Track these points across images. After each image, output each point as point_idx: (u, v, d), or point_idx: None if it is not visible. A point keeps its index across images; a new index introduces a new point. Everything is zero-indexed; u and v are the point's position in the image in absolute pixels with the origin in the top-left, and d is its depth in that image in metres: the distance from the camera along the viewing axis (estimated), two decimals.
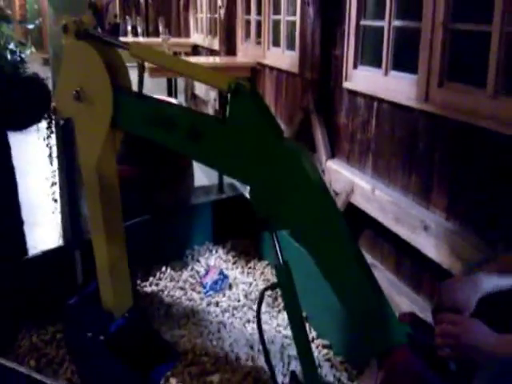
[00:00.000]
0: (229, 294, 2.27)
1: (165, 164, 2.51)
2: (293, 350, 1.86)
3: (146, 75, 3.90)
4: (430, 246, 1.88)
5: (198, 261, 2.53)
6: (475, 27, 1.88)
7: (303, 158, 1.10)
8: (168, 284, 2.29)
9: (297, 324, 1.18)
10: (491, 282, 1.07)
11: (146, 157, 2.44)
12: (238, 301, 2.22)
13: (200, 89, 5.51)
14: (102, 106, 1.21)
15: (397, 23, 2.31)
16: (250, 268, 2.51)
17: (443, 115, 1.92)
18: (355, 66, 2.64)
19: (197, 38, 6.71)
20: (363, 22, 2.59)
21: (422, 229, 1.92)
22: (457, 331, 0.96)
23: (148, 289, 2.29)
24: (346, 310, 1.13)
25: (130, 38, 9.32)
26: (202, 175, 3.83)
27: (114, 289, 1.41)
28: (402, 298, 2.00)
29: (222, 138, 1.12)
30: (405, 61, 2.29)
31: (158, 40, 5.91)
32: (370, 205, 2.25)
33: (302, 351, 1.20)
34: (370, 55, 2.60)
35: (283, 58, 3.56)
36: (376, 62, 2.48)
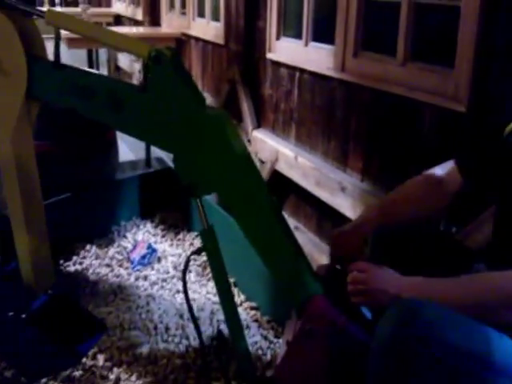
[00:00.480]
0: (158, 267, 2.26)
1: (87, 138, 2.42)
2: (221, 315, 1.91)
3: (64, 46, 3.68)
4: (347, 206, 1.99)
5: (125, 236, 2.48)
6: None
7: (225, 125, 1.12)
8: (93, 262, 2.23)
9: (223, 286, 1.23)
10: (372, 224, 1.17)
11: (67, 131, 2.34)
12: (168, 273, 2.22)
13: (124, 61, 5.29)
14: (17, 77, 1.19)
15: None
16: (179, 240, 2.51)
17: (358, 83, 2.01)
18: (278, 38, 2.67)
19: (119, 7, 6.40)
20: None
21: (340, 190, 2.03)
22: (365, 277, 1.02)
23: (71, 268, 2.22)
24: (268, 268, 1.18)
25: (46, 8, 8.66)
26: (129, 150, 3.73)
27: (35, 266, 1.38)
28: (322, 256, 2.11)
29: (142, 107, 1.12)
30: (324, 32, 2.35)
31: (77, 10, 5.58)
32: (294, 171, 2.33)
33: (228, 312, 1.26)
34: (291, 27, 2.64)
35: (208, 29, 3.51)
36: (297, 34, 2.52)
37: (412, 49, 1.82)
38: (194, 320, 1.29)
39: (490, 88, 1.47)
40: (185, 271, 1.23)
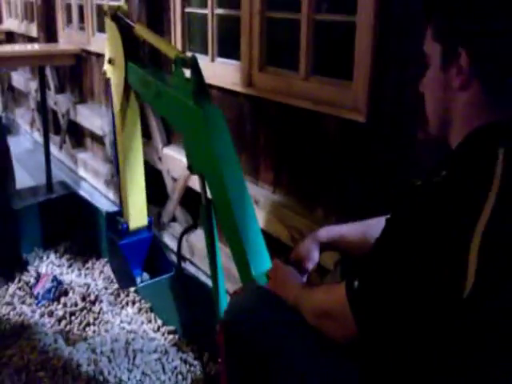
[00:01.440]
0: (65, 300, 2.09)
1: None
2: (137, 344, 1.80)
3: None
4: (260, 219, 1.99)
5: (27, 270, 2.28)
6: (288, 15, 2.03)
7: (210, 120, 1.34)
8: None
9: (213, 263, 1.40)
10: (329, 232, 1.16)
11: None
12: (76, 305, 2.06)
13: (18, 81, 4.93)
14: (120, 68, 1.76)
15: (219, 11, 2.37)
16: (87, 269, 2.35)
17: (265, 98, 2.04)
18: (183, 53, 2.63)
19: (11, 23, 5.97)
20: (188, 10, 2.60)
21: (254, 204, 2.02)
22: (271, 275, 1.10)
23: None
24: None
25: None
26: (28, 175, 3.45)
27: (132, 211, 1.91)
28: None
29: (169, 97, 1.50)
30: (230, 47, 2.37)
31: None
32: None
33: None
34: (197, 42, 2.62)
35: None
36: (203, 49, 2.51)
37: (314, 63, 1.89)
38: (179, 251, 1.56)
39: (387, 99, 1.56)
40: (179, 250, 1.47)
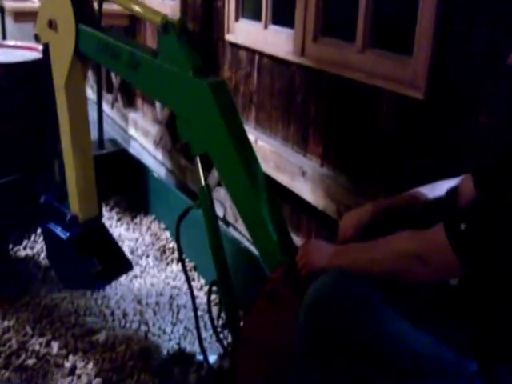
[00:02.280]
0: None
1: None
2: (181, 300, 1.90)
3: (11, 21, 3.44)
4: (307, 191, 2.01)
5: None
6: None
7: (214, 93, 1.19)
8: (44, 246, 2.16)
9: (215, 242, 1.34)
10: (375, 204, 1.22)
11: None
12: None
13: None
14: (67, 36, 1.48)
15: None
16: (135, 224, 2.46)
17: (318, 68, 2.01)
18: (237, 19, 2.61)
19: None
20: None
21: (300, 175, 2.05)
22: (302, 252, 1.13)
23: (22, 253, 2.13)
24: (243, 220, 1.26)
25: None
26: None
27: (80, 198, 1.68)
28: None
29: (153, 69, 1.31)
30: (284, 15, 2.33)
31: None
32: None
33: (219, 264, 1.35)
34: (251, 8, 2.59)
35: (163, 7, 3.37)
36: (256, 16, 2.48)
37: (371, 35, 1.84)
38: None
39: (449, 77, 1.51)
40: (178, 236, 1.39)
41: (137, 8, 1.37)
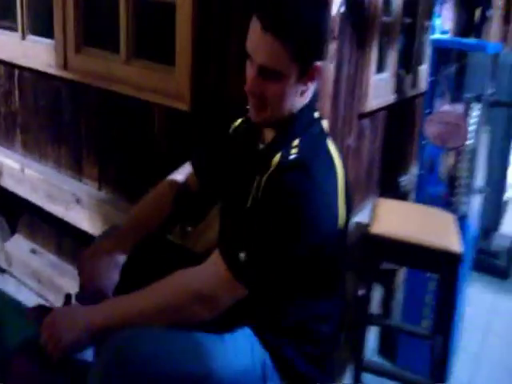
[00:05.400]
0: None
1: None
2: None
3: None
4: (84, 219, 1.80)
5: None
6: None
7: None
8: None
9: None
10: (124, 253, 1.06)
11: None
12: None
13: None
14: None
15: None
16: None
17: (83, 82, 1.83)
18: None
19: None
20: None
21: (75, 203, 1.82)
22: (49, 321, 0.90)
23: None
24: None
25: None
26: None
27: None
28: (65, 279, 1.88)
29: None
30: (44, 24, 2.08)
31: None
32: (22, 186, 1.99)
33: None
34: (7, 16, 2.25)
35: None
36: (14, 25, 2.16)
37: (136, 45, 1.73)
38: None
39: (210, 86, 1.49)
40: None
41: None
